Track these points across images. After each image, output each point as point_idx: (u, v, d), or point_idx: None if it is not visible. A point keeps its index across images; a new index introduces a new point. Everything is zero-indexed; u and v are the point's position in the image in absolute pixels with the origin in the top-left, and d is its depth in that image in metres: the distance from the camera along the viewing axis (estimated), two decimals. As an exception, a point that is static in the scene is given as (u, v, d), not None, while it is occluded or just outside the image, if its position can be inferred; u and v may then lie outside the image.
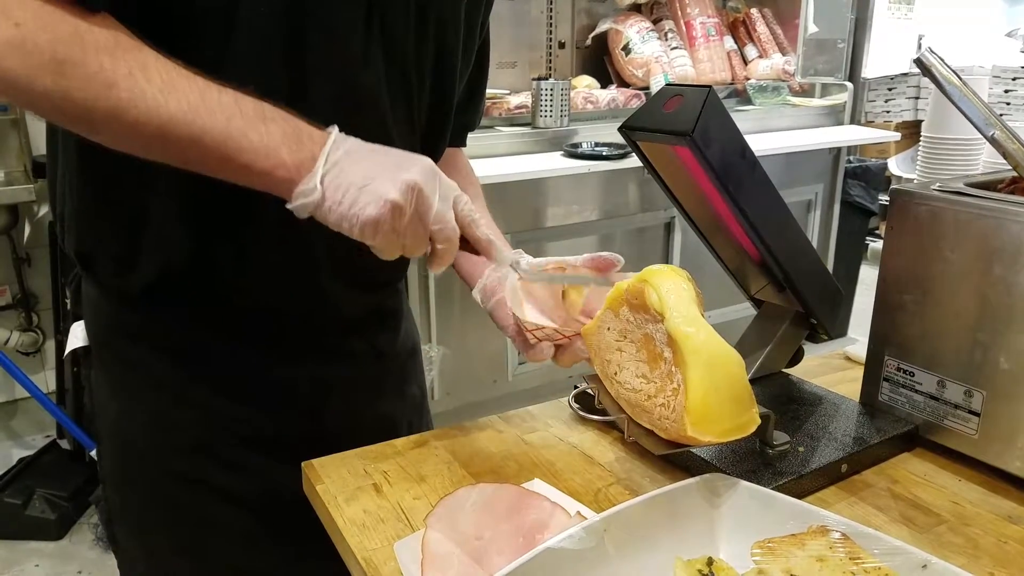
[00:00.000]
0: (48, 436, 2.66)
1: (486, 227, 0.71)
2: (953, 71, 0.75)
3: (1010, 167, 0.76)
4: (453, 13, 0.83)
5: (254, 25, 0.69)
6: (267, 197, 0.72)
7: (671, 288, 0.61)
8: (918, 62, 0.75)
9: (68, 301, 2.36)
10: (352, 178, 0.64)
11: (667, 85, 0.76)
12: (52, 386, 2.65)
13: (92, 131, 0.64)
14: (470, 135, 1.01)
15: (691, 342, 0.58)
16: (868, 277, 3.69)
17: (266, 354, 0.83)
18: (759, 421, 0.61)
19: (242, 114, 0.63)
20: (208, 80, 0.63)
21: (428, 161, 0.67)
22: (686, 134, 0.69)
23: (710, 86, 0.70)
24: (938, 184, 0.76)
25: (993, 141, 0.74)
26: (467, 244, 0.71)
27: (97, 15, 0.61)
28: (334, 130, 0.66)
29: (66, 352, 0.87)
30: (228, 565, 0.85)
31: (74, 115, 0.62)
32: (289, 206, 0.65)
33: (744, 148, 0.73)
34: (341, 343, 0.88)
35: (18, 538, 2.25)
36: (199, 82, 0.63)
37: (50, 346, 2.66)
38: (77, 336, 0.86)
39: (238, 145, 0.63)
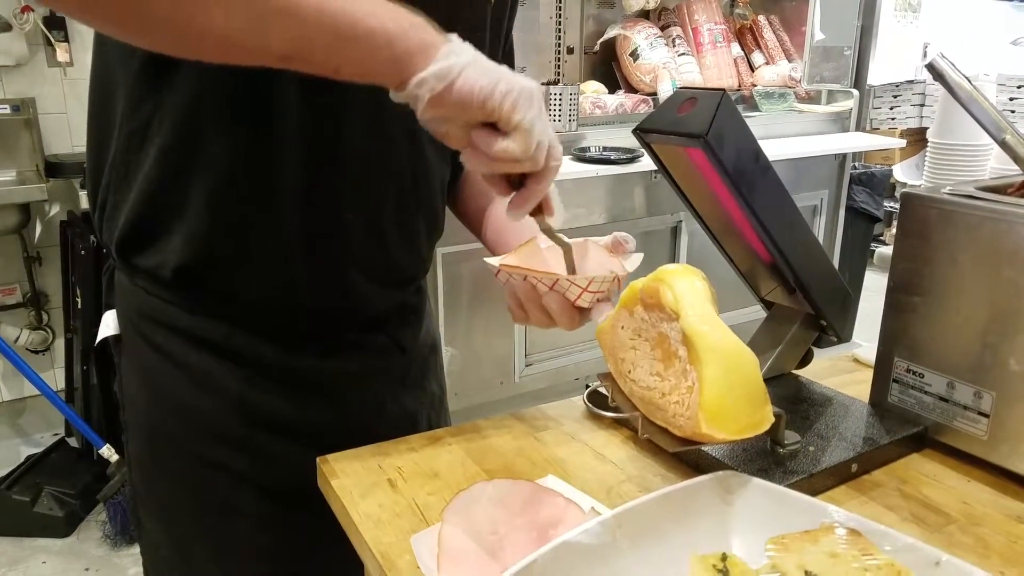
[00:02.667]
0: (56, 434, 2.67)
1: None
2: (964, 76, 0.76)
3: (1020, 171, 0.77)
4: (480, 20, 0.84)
5: None
6: (300, 190, 0.75)
7: (686, 287, 0.62)
8: (930, 67, 0.76)
9: (79, 299, 2.38)
10: (488, 65, 0.62)
11: (681, 88, 0.77)
12: (61, 384, 2.66)
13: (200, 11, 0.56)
14: None
15: (706, 340, 0.59)
16: (873, 283, 3.70)
17: (290, 345, 0.84)
18: (772, 419, 0.62)
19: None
20: None
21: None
22: (700, 136, 0.69)
23: (724, 90, 0.71)
24: (949, 188, 0.77)
25: (1004, 145, 0.75)
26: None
27: None
28: (454, 36, 0.63)
29: (96, 341, 0.89)
30: (249, 548, 0.87)
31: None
32: (427, 72, 0.60)
33: (757, 151, 0.74)
34: (364, 337, 0.90)
35: (26, 535, 2.26)
36: None
37: (59, 344, 2.67)
38: (108, 325, 0.88)
39: (363, 11, 0.59)
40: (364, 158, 0.80)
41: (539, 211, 0.72)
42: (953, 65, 0.77)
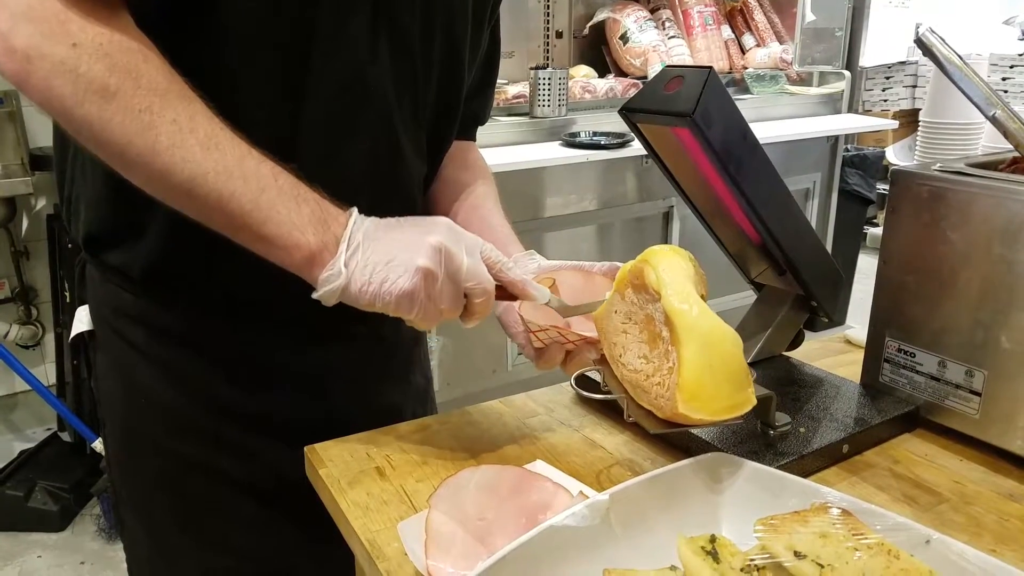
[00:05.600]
0: (49, 429, 2.66)
1: (517, 267, 0.71)
2: (954, 51, 0.75)
3: (1011, 147, 0.76)
4: (461, 3, 0.82)
5: (259, 16, 0.68)
6: None
7: (668, 266, 0.61)
8: (919, 42, 0.75)
9: (68, 293, 2.37)
10: (376, 256, 0.65)
11: (667, 67, 0.76)
12: (52, 379, 2.65)
13: (125, 167, 0.64)
14: None
15: (684, 319, 0.58)
16: (866, 265, 3.69)
17: (266, 338, 0.82)
18: (755, 402, 0.61)
19: (277, 188, 0.64)
20: (252, 148, 0.64)
21: (446, 220, 0.68)
22: (687, 115, 0.68)
23: (710, 67, 0.70)
24: (939, 164, 0.76)
25: (994, 120, 0.74)
26: (500, 290, 0.70)
27: (152, 51, 0.62)
28: (354, 211, 0.67)
29: (71, 336, 0.88)
30: (231, 547, 0.85)
31: (110, 148, 0.62)
32: (315, 295, 0.65)
33: (745, 130, 0.73)
34: (344, 329, 0.88)
35: (20, 530, 2.26)
36: (242, 147, 0.63)
37: (50, 339, 2.66)
38: (82, 320, 0.86)
39: (265, 216, 0.63)
40: (331, 149, 0.77)
41: (516, 299, 0.72)
42: (943, 40, 0.76)
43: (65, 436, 2.56)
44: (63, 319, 2.49)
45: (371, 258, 0.65)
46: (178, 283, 0.79)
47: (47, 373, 2.70)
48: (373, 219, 0.67)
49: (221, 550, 0.85)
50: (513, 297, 0.71)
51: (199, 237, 0.75)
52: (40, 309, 2.68)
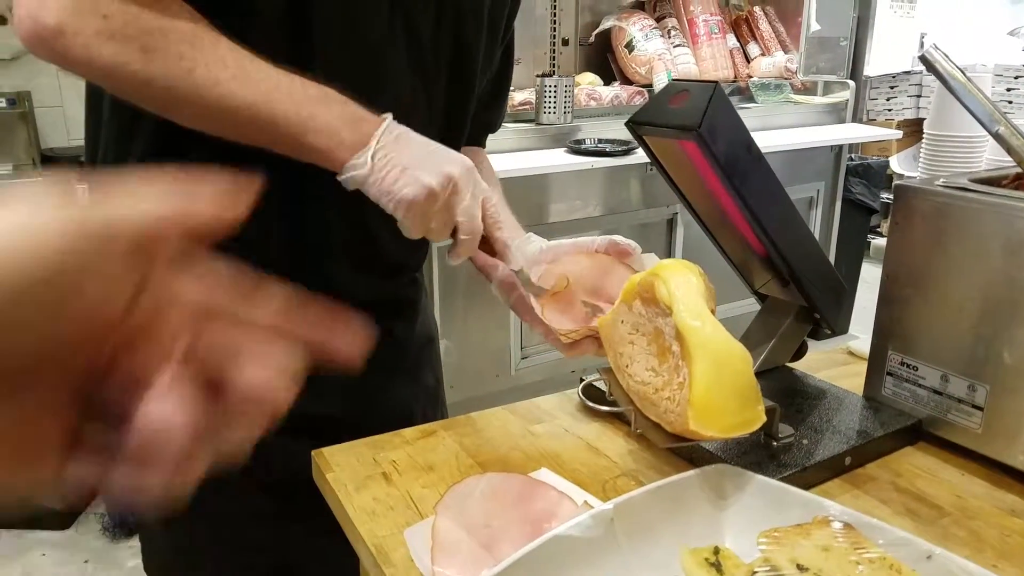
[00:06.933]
0: (52, 428, 2.67)
1: (508, 231, 0.78)
2: (958, 67, 0.76)
3: (1014, 163, 0.77)
4: (474, 7, 0.84)
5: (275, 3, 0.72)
6: (279, 178, 0.73)
7: (680, 282, 0.61)
8: (923, 59, 0.76)
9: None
10: (399, 160, 0.70)
11: (673, 81, 0.76)
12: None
13: (175, 112, 0.70)
14: None
15: (697, 336, 0.59)
16: (870, 275, 3.70)
17: None
18: (764, 419, 0.62)
19: (308, 98, 0.69)
20: (273, 66, 0.69)
21: (469, 162, 0.73)
22: (693, 129, 0.69)
23: (716, 82, 0.71)
24: (942, 180, 0.77)
25: (998, 137, 0.75)
26: (485, 244, 0.77)
27: (174, 4, 0.67)
28: (388, 116, 0.72)
29: None
30: (245, 539, 0.87)
31: (158, 97, 0.68)
32: (340, 178, 0.71)
33: (750, 143, 0.73)
34: None
35: (25, 528, 2.26)
36: (271, 70, 0.69)
37: (54, 338, 2.66)
38: None
39: (305, 127, 0.69)
40: None
41: (495, 255, 0.80)
42: (947, 56, 0.76)
43: (69, 435, 2.57)
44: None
45: (393, 160, 0.70)
46: None
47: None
48: (406, 128, 0.73)
49: (236, 545, 0.87)
50: (495, 253, 0.78)
51: None
52: (47, 308, 2.68)
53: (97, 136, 0.81)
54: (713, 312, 0.62)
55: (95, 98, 0.81)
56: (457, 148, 0.92)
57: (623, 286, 0.72)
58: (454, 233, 0.74)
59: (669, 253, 2.79)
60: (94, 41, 0.63)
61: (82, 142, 0.86)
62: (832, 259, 3.35)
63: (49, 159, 2.44)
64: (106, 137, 0.80)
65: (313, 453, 0.78)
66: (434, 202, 0.70)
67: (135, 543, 2.21)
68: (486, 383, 2.55)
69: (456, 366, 2.46)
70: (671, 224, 2.80)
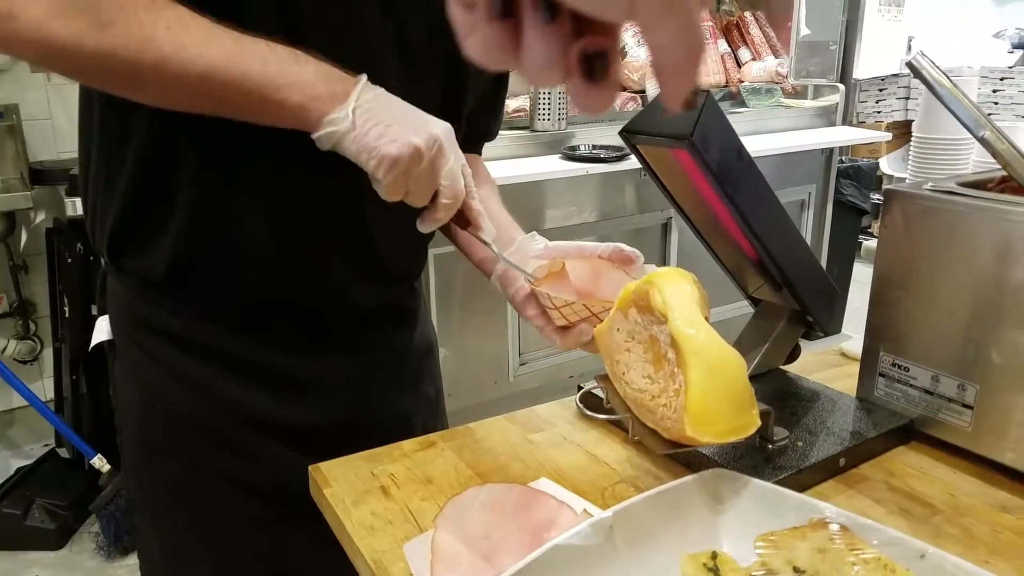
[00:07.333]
0: (47, 445, 2.65)
1: (487, 207, 0.78)
2: (944, 73, 0.77)
3: (1000, 167, 0.78)
4: None
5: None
6: (282, 186, 0.76)
7: (675, 290, 0.62)
8: (910, 66, 0.77)
9: (67, 308, 2.37)
10: (381, 116, 0.68)
11: (665, 90, 0.77)
12: (50, 394, 2.64)
13: (139, 87, 0.67)
14: None
15: (692, 343, 0.59)
16: (862, 275, 3.72)
17: (282, 346, 0.85)
18: (759, 423, 0.62)
19: (277, 57, 0.67)
20: (235, 30, 0.67)
21: (448, 125, 0.71)
22: (686, 137, 0.70)
23: (708, 90, 0.72)
24: (930, 184, 0.78)
25: (983, 141, 0.76)
26: (460, 217, 0.76)
27: None
28: (363, 76, 0.70)
29: (91, 346, 0.90)
30: (244, 550, 0.87)
31: (120, 72, 0.65)
32: (316, 134, 0.68)
33: (741, 150, 0.74)
34: (355, 337, 0.90)
35: (18, 548, 2.24)
36: (232, 32, 0.66)
37: (48, 354, 2.66)
38: (102, 330, 0.89)
39: (275, 83, 0.66)
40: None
41: (468, 224, 0.78)
42: (933, 63, 0.78)
43: (63, 452, 2.55)
44: (62, 334, 2.49)
45: (375, 116, 0.68)
46: (195, 288, 0.81)
47: (45, 388, 2.69)
48: (382, 88, 0.70)
49: (234, 553, 0.88)
50: (467, 223, 0.77)
51: (216, 237, 0.78)
52: (38, 324, 2.67)
53: (90, 146, 0.81)
54: (707, 319, 0.63)
55: (87, 110, 0.81)
56: None
57: (616, 290, 0.73)
58: (433, 199, 0.73)
59: (664, 258, 2.80)
60: (45, 18, 0.61)
61: (71, 155, 0.86)
62: (824, 260, 3.37)
63: (38, 173, 2.42)
64: (98, 144, 0.80)
65: (310, 468, 0.78)
66: (419, 161, 0.68)
67: (130, 561, 2.20)
68: (485, 390, 2.56)
69: (454, 374, 2.46)
70: (666, 229, 2.81)
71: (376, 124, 0.67)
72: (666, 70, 0.27)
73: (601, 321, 0.74)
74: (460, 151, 0.73)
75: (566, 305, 0.76)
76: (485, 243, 0.79)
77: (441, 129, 0.70)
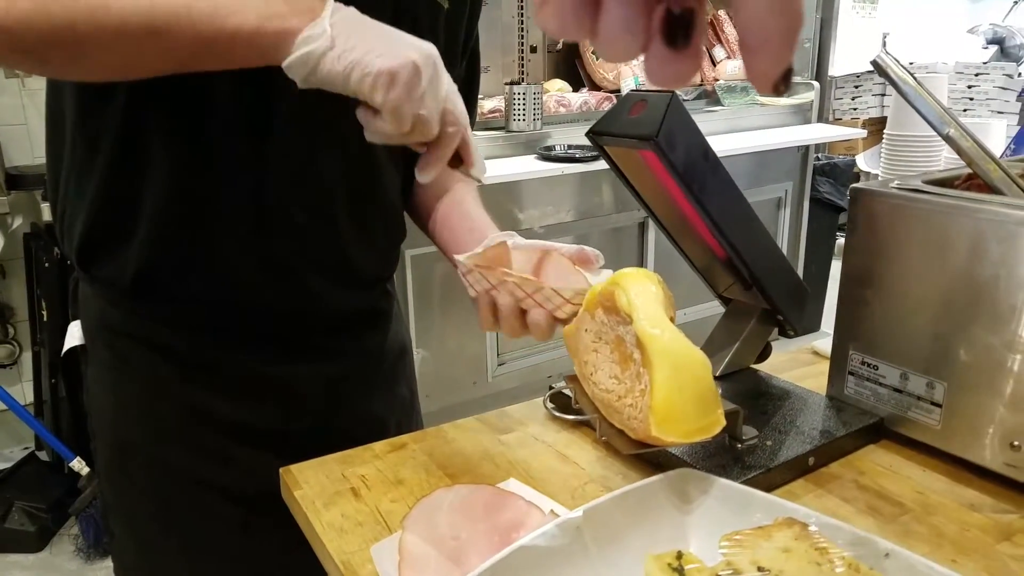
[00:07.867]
0: (26, 448, 2.63)
1: (460, 204, 0.77)
2: (908, 72, 0.78)
3: (965, 164, 0.78)
4: (431, 17, 0.84)
5: None
6: (250, 193, 0.75)
7: (639, 291, 0.62)
8: (875, 64, 0.77)
9: (45, 312, 2.35)
10: (364, 33, 0.60)
11: (632, 91, 0.77)
12: (30, 398, 2.62)
13: (81, 48, 0.61)
14: None
15: (657, 343, 0.60)
16: (839, 272, 3.74)
17: (254, 351, 0.85)
18: (724, 423, 0.63)
19: None
20: None
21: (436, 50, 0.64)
22: (651, 138, 0.70)
23: (673, 91, 0.72)
24: (897, 182, 0.78)
25: (948, 139, 0.76)
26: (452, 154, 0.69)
27: None
28: None
29: (63, 351, 0.90)
30: (218, 554, 0.87)
31: (59, 34, 0.60)
32: (288, 61, 0.60)
33: (707, 150, 0.75)
34: (328, 341, 0.90)
35: (-3, 552, 2.23)
36: None
37: (27, 358, 2.63)
38: (74, 335, 0.89)
39: (228, 8, 0.59)
40: (304, 154, 0.79)
41: (460, 162, 0.71)
42: (897, 61, 0.78)
43: (43, 455, 2.53)
44: (40, 338, 2.47)
45: (358, 31, 0.60)
46: (164, 294, 0.81)
47: (24, 392, 2.67)
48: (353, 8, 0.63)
49: (207, 556, 0.87)
50: (459, 161, 0.71)
51: (183, 241, 0.78)
52: (17, 328, 2.65)
53: (59, 156, 0.81)
54: (672, 319, 0.63)
55: (54, 124, 0.80)
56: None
57: (558, 277, 0.72)
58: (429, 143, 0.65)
59: (641, 256, 2.81)
60: None
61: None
62: (801, 258, 3.39)
63: (14, 178, 2.41)
64: (68, 154, 0.79)
65: (281, 470, 0.78)
66: (418, 81, 0.59)
67: (110, 563, 2.17)
68: (463, 391, 2.55)
69: (432, 375, 2.46)
70: (643, 228, 2.82)
71: (361, 40, 0.59)
72: (759, 47, 0.25)
73: (526, 297, 0.71)
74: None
75: (486, 269, 0.72)
76: (478, 181, 0.73)
77: (435, 52, 0.62)
